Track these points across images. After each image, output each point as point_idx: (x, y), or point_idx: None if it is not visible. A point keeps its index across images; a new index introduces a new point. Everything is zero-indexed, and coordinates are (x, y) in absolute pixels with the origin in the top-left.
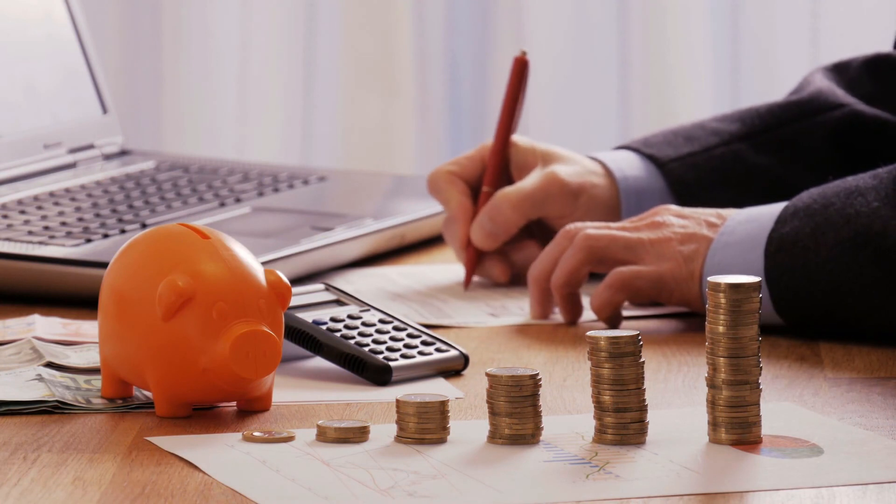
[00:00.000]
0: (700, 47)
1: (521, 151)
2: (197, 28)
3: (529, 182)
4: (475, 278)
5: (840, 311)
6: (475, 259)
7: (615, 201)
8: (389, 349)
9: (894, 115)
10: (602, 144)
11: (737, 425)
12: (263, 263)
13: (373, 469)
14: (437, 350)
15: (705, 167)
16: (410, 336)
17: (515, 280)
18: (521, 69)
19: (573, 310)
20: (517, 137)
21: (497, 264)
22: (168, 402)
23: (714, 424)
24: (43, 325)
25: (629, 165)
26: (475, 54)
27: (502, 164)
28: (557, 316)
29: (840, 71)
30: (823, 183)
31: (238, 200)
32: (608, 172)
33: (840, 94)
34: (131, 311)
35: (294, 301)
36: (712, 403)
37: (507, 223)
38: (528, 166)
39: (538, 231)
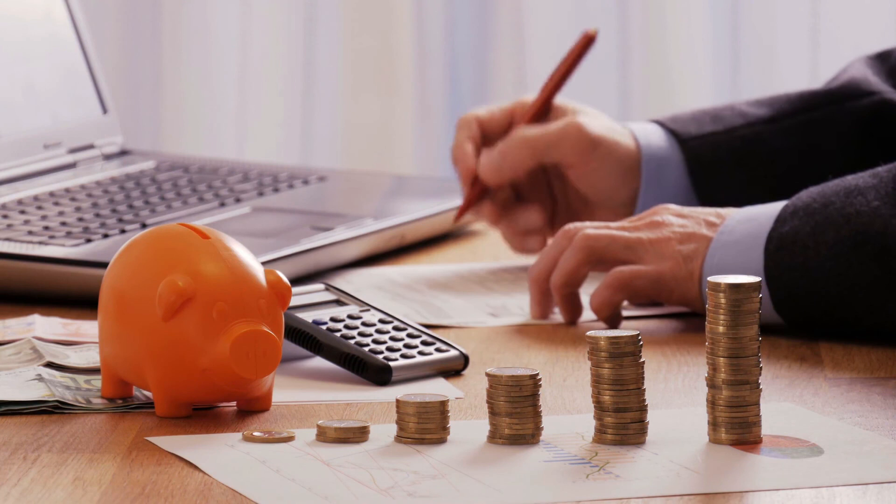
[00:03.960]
0: (700, 45)
1: (555, 109)
2: (197, 28)
3: (549, 125)
4: (472, 266)
5: (840, 311)
6: (475, 196)
7: (633, 164)
8: (389, 349)
9: None
10: None
11: (737, 425)
12: (263, 263)
13: (373, 469)
14: (437, 350)
15: (725, 147)
16: (410, 336)
17: (513, 277)
18: (586, 45)
19: (573, 310)
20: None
21: (490, 205)
22: (168, 402)
23: (714, 424)
24: (43, 325)
25: (654, 136)
26: (475, 54)
27: (537, 122)
28: (557, 316)
29: (883, 59)
30: (845, 171)
31: (238, 200)
32: (634, 137)
33: (873, 82)
34: (131, 311)
35: (294, 301)
36: (712, 403)
37: (516, 160)
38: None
39: (553, 193)
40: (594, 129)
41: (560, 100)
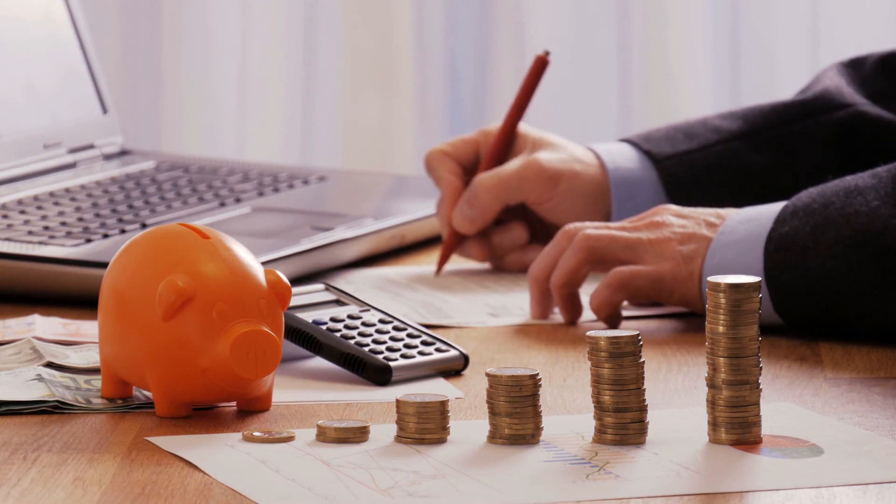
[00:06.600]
0: (700, 46)
1: (518, 138)
2: (197, 28)
3: (507, 167)
4: (472, 266)
5: (840, 311)
6: (452, 243)
7: (601, 190)
8: (389, 349)
9: None
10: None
11: (737, 425)
12: (263, 263)
13: (373, 469)
14: (437, 350)
15: (700, 165)
16: (410, 336)
17: (513, 277)
18: (541, 68)
19: (573, 310)
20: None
21: (476, 245)
22: (168, 402)
23: (714, 424)
24: (43, 325)
25: (624, 157)
26: (475, 54)
27: (502, 154)
28: (557, 316)
29: (856, 67)
30: (821, 183)
31: (238, 200)
32: (600, 163)
33: (847, 94)
34: (131, 311)
35: (294, 301)
36: (712, 403)
37: (484, 208)
38: (518, 153)
39: (528, 216)
40: (553, 165)
41: (523, 127)
